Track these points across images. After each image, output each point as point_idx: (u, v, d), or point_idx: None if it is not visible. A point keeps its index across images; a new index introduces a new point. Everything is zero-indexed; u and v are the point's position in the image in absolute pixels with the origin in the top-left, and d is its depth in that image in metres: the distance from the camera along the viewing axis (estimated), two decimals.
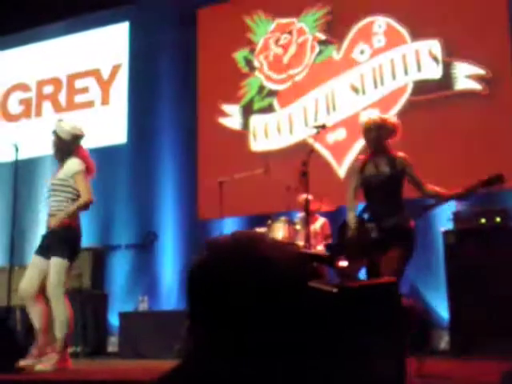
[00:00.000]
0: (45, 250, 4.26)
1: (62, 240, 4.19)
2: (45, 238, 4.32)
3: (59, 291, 4.15)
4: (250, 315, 1.03)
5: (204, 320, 1.06)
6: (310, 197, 4.56)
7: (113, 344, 6.37)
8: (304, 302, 1.07)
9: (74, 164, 4.29)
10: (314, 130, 4.57)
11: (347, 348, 1.17)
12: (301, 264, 1.11)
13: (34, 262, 4.30)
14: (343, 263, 3.58)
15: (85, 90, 8.14)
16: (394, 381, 1.30)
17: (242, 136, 6.99)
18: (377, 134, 3.88)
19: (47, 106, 8.39)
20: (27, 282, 4.24)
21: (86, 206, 4.31)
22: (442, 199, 3.76)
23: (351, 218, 3.86)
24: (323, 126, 4.48)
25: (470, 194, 3.65)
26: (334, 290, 1.17)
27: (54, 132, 4.39)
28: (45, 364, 4.04)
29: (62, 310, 4.13)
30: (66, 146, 4.35)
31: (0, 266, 7.10)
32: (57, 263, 4.16)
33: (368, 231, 3.74)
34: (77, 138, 4.39)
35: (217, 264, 1.06)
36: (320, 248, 5.24)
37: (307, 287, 1.10)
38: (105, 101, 8.01)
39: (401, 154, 3.89)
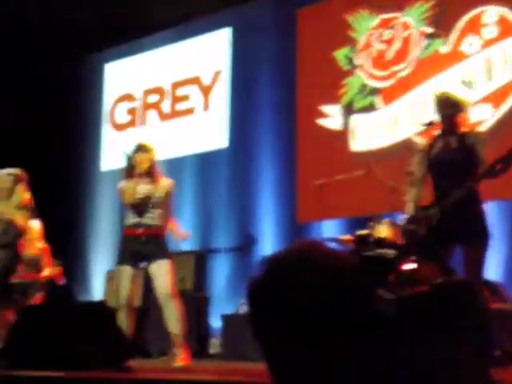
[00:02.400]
0: (142, 257, 4.44)
1: (164, 244, 4.47)
2: (141, 245, 4.46)
3: (174, 290, 4.38)
4: (317, 332, 0.97)
5: (269, 338, 1.02)
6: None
7: (215, 346, 6.40)
8: (372, 313, 1.01)
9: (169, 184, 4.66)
10: (421, 128, 4.36)
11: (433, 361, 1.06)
12: (365, 273, 1.04)
13: (129, 271, 4.44)
14: (409, 266, 3.32)
15: (187, 97, 8.29)
16: None
17: (341, 137, 6.82)
18: (453, 111, 3.73)
19: (151, 114, 8.61)
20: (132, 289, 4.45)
21: None
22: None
23: (412, 209, 3.68)
24: (431, 124, 4.26)
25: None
26: (391, 303, 1.08)
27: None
28: (177, 361, 4.25)
29: (176, 308, 4.33)
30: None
31: (111, 269, 7.35)
32: (166, 265, 4.37)
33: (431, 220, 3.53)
34: None
35: (277, 282, 1.02)
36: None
37: (373, 297, 1.04)
38: (206, 107, 8.11)
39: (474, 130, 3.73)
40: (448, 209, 3.58)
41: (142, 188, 4.52)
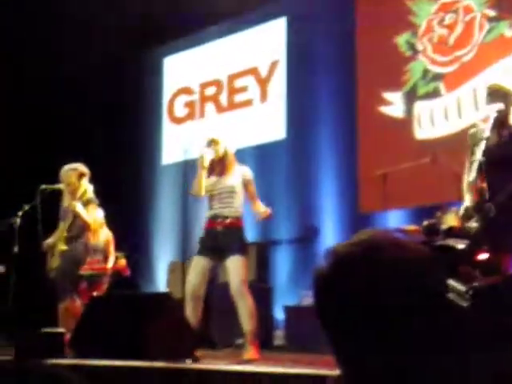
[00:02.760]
0: (217, 250, 4.50)
1: (239, 237, 4.55)
2: (218, 237, 4.53)
3: (244, 287, 4.43)
4: (386, 326, 0.94)
5: (338, 335, 1.00)
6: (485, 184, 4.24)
7: (278, 337, 6.41)
8: (444, 304, 0.98)
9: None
10: (486, 114, 4.25)
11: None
12: (437, 265, 1.00)
13: (202, 262, 4.52)
14: (482, 256, 3.22)
15: (244, 88, 8.29)
16: None
17: (405, 124, 6.69)
18: (504, 103, 3.67)
19: (210, 107, 8.66)
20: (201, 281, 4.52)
21: None
22: None
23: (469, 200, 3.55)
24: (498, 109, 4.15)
25: None
26: (464, 294, 1.03)
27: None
28: (246, 355, 4.31)
29: (248, 305, 4.40)
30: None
31: (174, 260, 7.47)
32: (238, 261, 4.43)
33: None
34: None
35: (344, 274, 0.98)
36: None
37: (445, 288, 1.00)
38: (263, 98, 8.10)
39: None
40: (504, 204, 3.49)
41: (215, 179, 4.67)
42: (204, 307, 4.59)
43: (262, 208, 4.66)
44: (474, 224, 3.59)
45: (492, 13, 6.30)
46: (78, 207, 5.29)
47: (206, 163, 4.68)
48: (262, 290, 6.59)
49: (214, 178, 4.71)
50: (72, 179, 5.43)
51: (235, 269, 4.42)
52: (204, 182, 4.68)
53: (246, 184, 4.68)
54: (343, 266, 0.99)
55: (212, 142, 4.73)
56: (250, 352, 4.34)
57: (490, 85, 3.92)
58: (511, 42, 6.12)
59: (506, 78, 6.01)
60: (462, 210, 3.71)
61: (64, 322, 5.07)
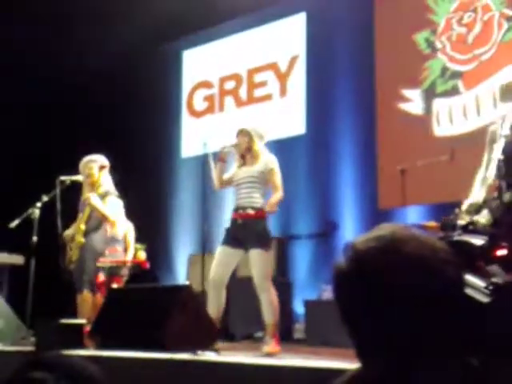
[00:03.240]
0: (239, 242, 4.47)
1: (262, 229, 4.46)
2: (238, 229, 4.50)
3: (267, 281, 4.40)
4: (405, 321, 0.96)
5: (359, 330, 1.01)
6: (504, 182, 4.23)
7: (298, 331, 6.46)
8: (464, 299, 1.00)
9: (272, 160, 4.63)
10: (504, 112, 4.24)
11: None
12: (455, 260, 1.00)
13: (225, 252, 4.50)
14: (501, 252, 3.20)
15: (264, 83, 8.32)
16: None
17: (423, 121, 6.71)
18: None
19: (229, 101, 8.69)
20: (224, 270, 4.49)
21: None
22: None
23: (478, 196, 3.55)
24: None
25: None
26: (484, 289, 1.04)
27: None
28: (265, 348, 4.29)
29: (270, 299, 4.37)
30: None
31: (193, 253, 7.53)
32: (260, 255, 4.38)
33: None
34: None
35: (362, 271, 1.00)
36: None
37: (463, 283, 1.01)
38: (283, 93, 8.12)
39: None
40: None
41: (240, 170, 4.65)
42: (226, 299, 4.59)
43: (271, 202, 4.48)
44: (482, 220, 3.56)
45: (510, 12, 6.29)
46: (94, 200, 5.29)
47: (225, 157, 4.68)
48: (282, 284, 6.63)
49: (241, 169, 4.67)
50: (92, 171, 5.44)
51: (255, 262, 4.38)
52: (219, 175, 4.67)
53: (267, 173, 4.56)
54: (363, 262, 1.01)
55: (239, 133, 4.69)
56: (271, 345, 4.35)
57: (504, 83, 3.88)
58: None
59: None
60: (465, 206, 3.66)
61: (83, 313, 5.11)
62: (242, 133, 4.69)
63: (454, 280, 0.99)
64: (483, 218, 3.57)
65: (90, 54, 8.16)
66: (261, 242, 4.40)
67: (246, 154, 4.66)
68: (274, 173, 4.57)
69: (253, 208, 4.48)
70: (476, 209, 3.59)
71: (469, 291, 1.05)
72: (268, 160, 4.62)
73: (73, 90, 8.50)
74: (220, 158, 4.72)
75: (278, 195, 4.53)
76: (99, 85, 8.54)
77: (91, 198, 5.29)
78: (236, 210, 4.58)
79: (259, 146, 4.65)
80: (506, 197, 3.50)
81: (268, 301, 4.38)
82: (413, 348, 0.96)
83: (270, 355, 4.20)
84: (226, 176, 4.76)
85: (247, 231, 4.45)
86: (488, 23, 6.47)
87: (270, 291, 4.40)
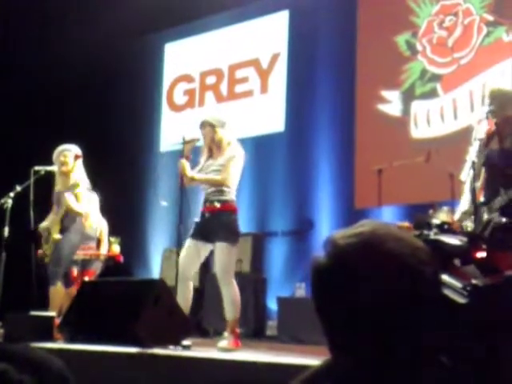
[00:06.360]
0: (206, 235, 4.40)
1: (227, 222, 4.37)
2: (206, 222, 4.44)
3: (229, 276, 4.32)
4: (381, 319, 0.96)
5: (334, 324, 1.01)
6: (479, 185, 4.28)
7: (271, 328, 6.47)
8: (440, 300, 0.99)
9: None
10: (481, 116, 4.29)
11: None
12: (434, 260, 1.00)
13: (192, 245, 4.45)
14: (481, 254, 3.23)
15: (245, 79, 8.31)
16: None
17: (401, 123, 6.76)
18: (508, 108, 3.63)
19: (209, 96, 8.66)
20: (190, 263, 4.42)
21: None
22: None
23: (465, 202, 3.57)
24: (492, 111, 4.19)
25: None
26: (461, 290, 1.04)
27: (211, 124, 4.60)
28: (222, 344, 4.21)
29: (232, 294, 4.29)
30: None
31: (168, 248, 7.50)
32: (224, 248, 4.31)
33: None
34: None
35: (341, 267, 1.00)
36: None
37: (440, 283, 1.01)
38: (264, 90, 8.12)
39: None
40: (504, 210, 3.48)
41: (206, 163, 4.59)
42: (198, 296, 4.55)
43: (199, 175, 4.49)
44: (470, 223, 3.59)
45: (490, 17, 6.37)
46: (70, 200, 5.24)
47: (188, 154, 4.58)
48: (256, 280, 6.65)
49: (207, 162, 4.58)
50: (67, 159, 5.36)
51: (219, 255, 4.31)
52: (187, 170, 4.51)
53: (228, 166, 4.43)
54: (342, 257, 1.00)
55: (201, 125, 4.62)
56: (230, 341, 4.24)
57: (494, 88, 3.88)
58: (508, 46, 6.19)
59: (502, 81, 6.08)
60: (458, 215, 3.68)
61: (54, 306, 5.05)
62: (204, 124, 4.61)
63: (432, 280, 0.99)
64: (471, 221, 3.60)
65: (71, 46, 8.07)
66: (226, 236, 4.32)
67: (212, 145, 4.59)
68: (230, 159, 4.45)
69: (219, 201, 4.41)
70: (469, 216, 3.62)
71: (446, 291, 1.05)
72: (233, 150, 4.52)
73: (50, 80, 8.41)
74: (184, 155, 4.62)
75: (215, 177, 4.45)
76: (78, 74, 8.45)
77: (68, 200, 5.24)
78: (204, 202, 4.52)
79: (222, 133, 4.56)
80: (496, 203, 3.52)
81: (229, 296, 4.31)
82: (387, 345, 0.96)
83: (228, 351, 4.12)
84: (193, 172, 4.63)
85: (214, 224, 4.37)
86: (468, 27, 6.54)
87: (231, 286, 4.32)
